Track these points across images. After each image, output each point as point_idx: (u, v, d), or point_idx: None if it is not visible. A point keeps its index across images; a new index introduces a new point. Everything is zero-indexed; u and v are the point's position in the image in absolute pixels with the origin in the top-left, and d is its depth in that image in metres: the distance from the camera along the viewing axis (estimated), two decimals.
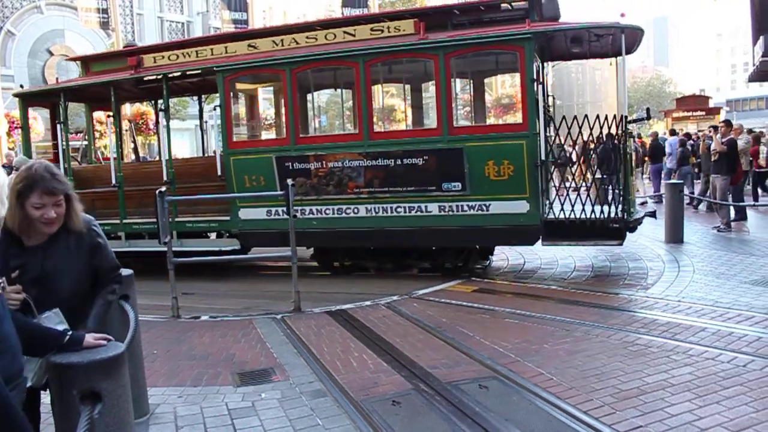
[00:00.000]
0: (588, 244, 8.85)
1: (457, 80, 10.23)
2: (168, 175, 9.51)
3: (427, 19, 8.82)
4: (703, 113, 28.92)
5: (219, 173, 9.27)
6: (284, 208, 8.29)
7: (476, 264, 9.29)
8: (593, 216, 8.15)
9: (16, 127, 15.09)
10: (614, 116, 8.48)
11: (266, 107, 14.67)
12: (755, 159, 15.80)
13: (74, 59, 11.90)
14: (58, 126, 10.08)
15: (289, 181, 7.45)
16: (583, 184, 8.78)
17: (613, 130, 8.38)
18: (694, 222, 12.30)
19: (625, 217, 8.19)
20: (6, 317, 2.22)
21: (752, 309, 6.25)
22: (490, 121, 10.62)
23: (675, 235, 10.34)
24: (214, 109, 9.43)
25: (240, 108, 11.19)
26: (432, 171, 8.37)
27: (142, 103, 16.03)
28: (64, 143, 10.28)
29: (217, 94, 9.51)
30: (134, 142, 13.40)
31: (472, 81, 10.74)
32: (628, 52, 8.85)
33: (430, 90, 11.02)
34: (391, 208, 8.65)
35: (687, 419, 3.93)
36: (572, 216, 8.22)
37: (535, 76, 8.25)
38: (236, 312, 7.58)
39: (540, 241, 8.44)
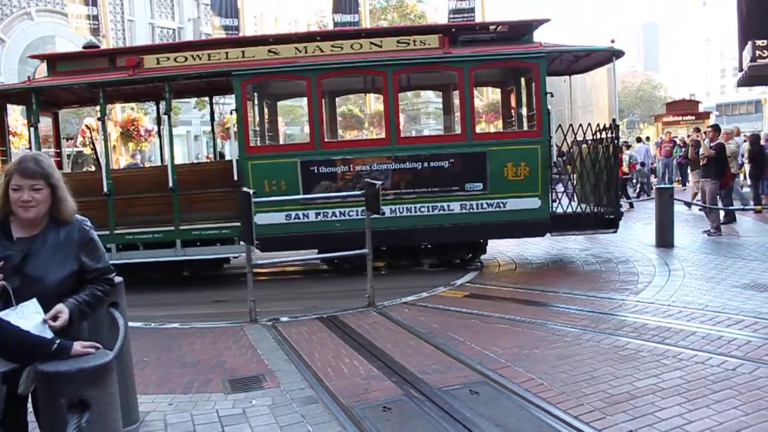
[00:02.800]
0: (588, 233, 10.10)
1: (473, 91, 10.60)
2: (173, 182, 9.18)
3: (450, 34, 9.57)
4: (693, 118, 29.12)
5: (235, 178, 9.11)
6: (304, 212, 9.03)
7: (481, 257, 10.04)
8: (596, 209, 9.59)
9: (11, 134, 14.87)
10: (587, 125, 9.79)
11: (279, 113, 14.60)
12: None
13: (36, 57, 10.94)
14: (30, 129, 9.32)
15: (378, 182, 7.63)
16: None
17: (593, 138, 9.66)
18: (684, 226, 12.36)
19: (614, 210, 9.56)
20: None
21: (742, 313, 6.27)
22: (506, 127, 11.28)
23: (665, 239, 10.38)
24: (231, 113, 9.26)
25: (258, 113, 11.09)
26: (456, 173, 9.07)
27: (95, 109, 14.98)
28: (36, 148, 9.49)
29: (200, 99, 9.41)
30: (93, 149, 12.43)
31: (490, 92, 11.39)
32: (589, 70, 10.77)
33: (420, 97, 11.30)
34: (415, 207, 9.14)
35: (677, 423, 3.95)
36: (578, 210, 9.64)
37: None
38: (302, 312, 7.53)
39: (549, 233, 9.55)
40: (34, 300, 2.65)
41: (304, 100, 10.27)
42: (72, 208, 2.86)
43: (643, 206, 16.45)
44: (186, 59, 9.37)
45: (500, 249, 11.30)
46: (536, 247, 11.27)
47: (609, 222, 9.55)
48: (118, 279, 4.18)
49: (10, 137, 14.37)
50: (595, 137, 9.71)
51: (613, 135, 9.43)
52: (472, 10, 20.94)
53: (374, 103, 13.91)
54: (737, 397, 4.29)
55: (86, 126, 15.07)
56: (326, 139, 9.63)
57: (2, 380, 2.37)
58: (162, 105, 10.34)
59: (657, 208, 10.74)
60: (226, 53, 9.35)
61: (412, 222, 9.15)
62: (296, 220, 9.12)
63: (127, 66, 9.31)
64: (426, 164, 9.10)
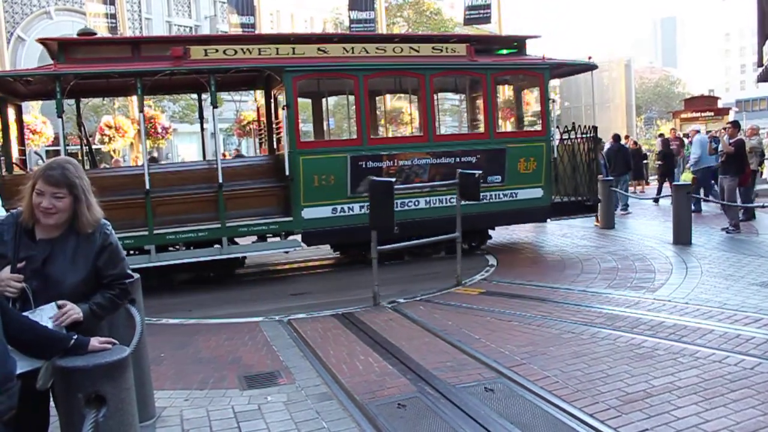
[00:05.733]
0: (577, 217, 11.86)
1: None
2: (222, 177, 9.03)
3: (475, 44, 10.57)
4: (712, 114, 28.76)
5: (287, 173, 9.19)
6: (350, 205, 9.48)
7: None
8: (580, 198, 11.20)
9: (31, 132, 14.86)
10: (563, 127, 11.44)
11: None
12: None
13: (46, 40, 9.53)
14: (60, 121, 8.55)
15: (478, 171, 8.38)
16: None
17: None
18: (702, 223, 12.24)
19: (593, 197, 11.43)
20: None
21: (761, 311, 6.20)
22: (509, 127, 12.18)
23: (683, 237, 10.29)
24: (283, 109, 9.30)
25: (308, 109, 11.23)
26: (481, 166, 9.69)
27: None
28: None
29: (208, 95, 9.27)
30: (88, 144, 11.43)
31: (505, 95, 12.66)
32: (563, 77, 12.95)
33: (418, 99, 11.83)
34: (446, 199, 9.90)
35: (693, 422, 3.92)
36: (570, 199, 11.22)
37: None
38: (410, 295, 7.90)
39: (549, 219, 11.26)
40: (53, 304, 2.67)
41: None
42: (90, 221, 2.82)
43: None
44: (235, 52, 9.30)
45: (515, 246, 11.28)
46: (552, 244, 11.24)
47: (589, 207, 11.30)
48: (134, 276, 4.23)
49: (30, 135, 14.49)
50: (577, 138, 11.23)
51: (592, 136, 11.19)
52: (488, 6, 20.84)
53: (405, 103, 14.60)
54: (755, 396, 4.24)
55: (77, 122, 14.33)
56: (372, 136, 10.26)
57: (18, 376, 2.40)
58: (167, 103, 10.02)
59: (674, 206, 10.66)
60: (277, 49, 9.45)
61: (444, 212, 9.73)
62: (342, 214, 9.50)
63: (172, 56, 9.03)
64: (458, 159, 9.95)
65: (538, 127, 11.08)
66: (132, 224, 8.70)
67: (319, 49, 9.64)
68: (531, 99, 12.05)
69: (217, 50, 9.24)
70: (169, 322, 7.29)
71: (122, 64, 9.07)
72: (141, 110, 9.29)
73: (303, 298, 8.38)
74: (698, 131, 16.44)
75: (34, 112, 15.87)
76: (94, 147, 14.16)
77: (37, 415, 2.80)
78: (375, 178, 7.98)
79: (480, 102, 10.89)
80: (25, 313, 2.61)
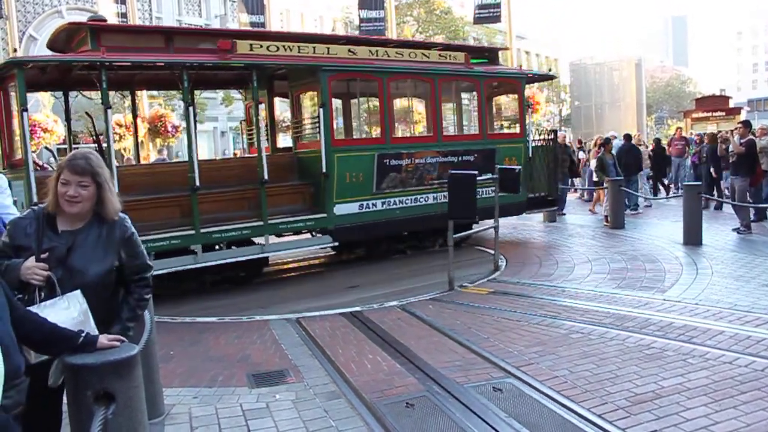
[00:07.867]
0: (544, 210, 13.31)
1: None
2: (267, 174, 8.89)
3: (470, 52, 11.61)
4: (723, 113, 28.58)
5: (324, 170, 9.35)
6: (374, 202, 9.97)
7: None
8: (545, 194, 12.56)
9: (42, 130, 14.86)
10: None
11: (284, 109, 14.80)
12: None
13: (76, 24, 8.84)
14: (108, 112, 7.90)
15: (518, 167, 9.49)
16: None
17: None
18: (712, 224, 12.17)
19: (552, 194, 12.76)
20: None
21: None
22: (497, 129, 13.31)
23: (693, 237, 10.23)
24: (321, 107, 9.37)
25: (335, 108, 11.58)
26: (477, 165, 10.35)
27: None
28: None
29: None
30: (96, 139, 10.06)
31: (492, 101, 13.06)
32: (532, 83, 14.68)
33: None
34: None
35: (702, 424, 3.90)
36: (538, 195, 12.53)
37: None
38: (457, 282, 8.24)
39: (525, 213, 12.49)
40: (78, 291, 2.75)
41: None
42: (115, 208, 2.95)
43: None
44: (278, 49, 9.37)
45: (524, 245, 11.26)
46: (561, 244, 11.21)
47: (551, 202, 12.70)
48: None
49: (42, 133, 14.52)
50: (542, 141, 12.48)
51: (551, 139, 12.70)
52: (497, 5, 20.79)
53: (415, 104, 15.33)
54: (765, 398, 4.22)
55: (66, 117, 12.62)
56: (393, 135, 10.79)
57: (26, 373, 2.41)
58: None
59: (685, 206, 10.58)
60: (314, 48, 9.65)
61: (446, 207, 10.13)
62: (367, 210, 9.95)
63: (219, 49, 8.88)
64: (460, 158, 10.71)
65: (517, 130, 12.13)
66: (174, 223, 8.47)
67: (349, 50, 10.04)
68: (512, 104, 12.92)
69: (261, 46, 9.29)
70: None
71: (157, 54, 8.72)
72: (189, 104, 8.62)
73: (362, 290, 8.51)
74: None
75: (45, 110, 15.93)
76: (104, 146, 14.14)
77: (47, 412, 2.82)
78: (455, 171, 8.90)
79: (475, 105, 11.66)
80: (54, 299, 2.70)
